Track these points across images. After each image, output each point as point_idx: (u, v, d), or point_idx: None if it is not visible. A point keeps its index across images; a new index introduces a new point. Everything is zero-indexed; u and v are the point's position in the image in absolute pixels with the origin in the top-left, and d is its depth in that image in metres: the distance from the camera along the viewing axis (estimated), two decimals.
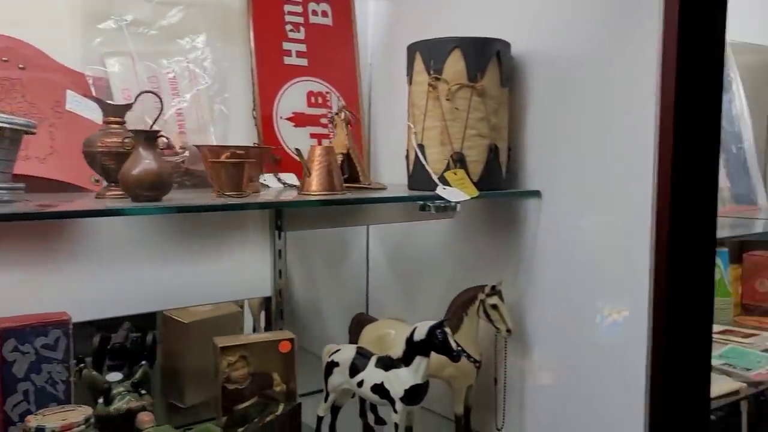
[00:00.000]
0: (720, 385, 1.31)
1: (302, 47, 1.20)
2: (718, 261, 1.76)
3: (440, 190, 0.91)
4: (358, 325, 1.16)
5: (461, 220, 1.15)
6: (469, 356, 1.03)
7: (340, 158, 1.01)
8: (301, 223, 1.18)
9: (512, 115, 1.02)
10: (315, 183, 0.90)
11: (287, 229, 1.21)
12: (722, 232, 1.76)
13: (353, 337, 1.16)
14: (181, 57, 1.08)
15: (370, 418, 1.14)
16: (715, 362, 1.42)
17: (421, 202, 0.90)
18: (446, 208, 0.89)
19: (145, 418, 1.03)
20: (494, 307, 1.00)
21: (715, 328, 1.65)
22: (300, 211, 1.15)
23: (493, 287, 1.00)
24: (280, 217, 1.20)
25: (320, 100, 1.20)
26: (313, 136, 1.19)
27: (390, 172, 1.26)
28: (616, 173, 0.89)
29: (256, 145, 1.05)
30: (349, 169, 1.02)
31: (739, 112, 1.76)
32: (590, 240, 0.93)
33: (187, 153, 1.02)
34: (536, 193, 1.00)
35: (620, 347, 0.89)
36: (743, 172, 1.74)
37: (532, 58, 1.00)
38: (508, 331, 0.99)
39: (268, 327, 1.28)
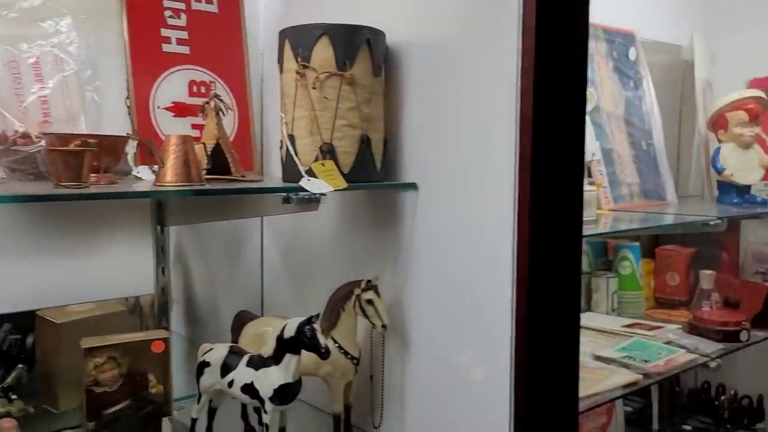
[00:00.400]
0: (618, 378, 1.32)
1: (183, 34, 1.15)
2: (630, 255, 1.78)
3: (304, 181, 0.88)
4: (239, 322, 1.12)
5: (347, 214, 1.12)
6: (346, 353, 1.00)
7: (209, 148, 0.97)
8: (183, 217, 1.14)
9: (389, 105, 1.00)
10: (170, 173, 0.86)
11: (169, 223, 1.16)
12: (633, 227, 1.78)
13: (235, 336, 1.12)
14: (44, 41, 1.02)
15: (253, 419, 1.10)
16: (616, 355, 1.43)
17: (284, 194, 0.87)
18: (310, 201, 0.86)
19: (6, 424, 0.97)
20: (369, 302, 0.97)
21: (623, 321, 1.67)
22: (181, 204, 1.10)
23: (369, 282, 0.98)
24: (161, 211, 1.15)
25: (203, 90, 1.16)
26: (195, 126, 1.15)
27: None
28: (483, 167, 0.88)
29: (112, 135, 1.00)
30: (220, 160, 0.98)
31: (649, 109, 1.79)
32: (460, 234, 0.91)
33: (43, 142, 0.96)
34: (412, 186, 0.98)
35: (486, 345, 0.88)
36: (653, 168, 1.77)
37: (408, 48, 0.98)
38: (384, 326, 0.97)
39: (157, 327, 1.23)
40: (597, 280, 1.75)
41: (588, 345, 1.51)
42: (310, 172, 0.90)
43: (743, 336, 1.55)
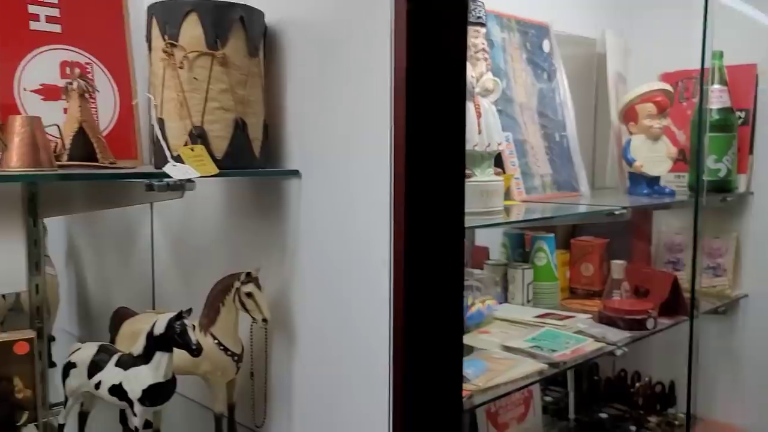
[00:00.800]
0: (523, 368, 1.31)
1: (54, 12, 1.06)
2: (545, 246, 1.80)
3: (169, 167, 0.83)
4: (117, 320, 1.06)
5: (234, 204, 1.07)
6: (226, 350, 0.95)
7: (71, 133, 0.89)
8: (58, 208, 1.06)
9: (270, 89, 0.95)
10: (15, 158, 0.79)
11: (44, 215, 1.08)
12: (558, 221, 1.80)
13: (113, 334, 1.05)
14: None
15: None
16: (524, 345, 1.43)
17: (147, 181, 0.81)
18: (175, 188, 0.80)
19: None
20: (249, 295, 0.93)
21: (536, 311, 1.68)
22: (53, 194, 1.02)
23: (249, 274, 0.93)
24: (33, 202, 1.07)
25: (78, 72, 1.07)
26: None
27: None
28: (362, 154, 0.84)
29: None
30: (84, 145, 0.91)
31: (563, 101, 1.80)
32: (342, 224, 0.88)
33: None
34: (295, 173, 0.93)
35: (366, 339, 0.84)
36: (566, 160, 1.78)
37: (288, 29, 0.94)
38: (265, 320, 0.93)
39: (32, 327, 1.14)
40: (513, 271, 1.76)
41: (499, 336, 1.51)
42: (179, 158, 0.85)
43: (650, 324, 1.58)
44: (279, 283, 0.96)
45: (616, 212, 1.45)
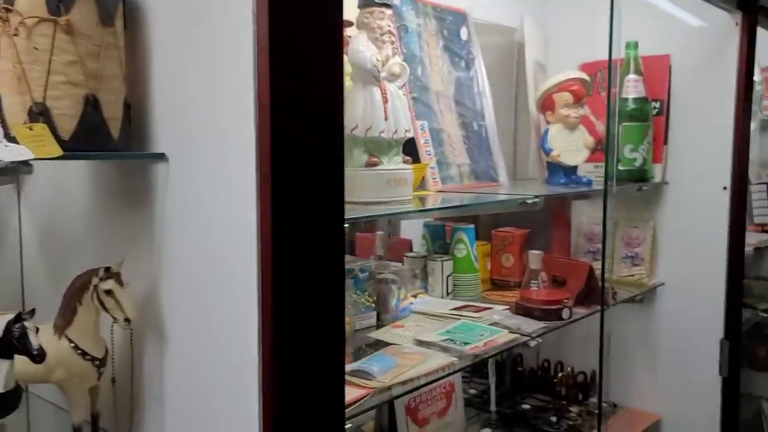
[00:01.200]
0: (433, 362, 1.27)
1: None
2: (465, 237, 1.76)
3: (1, 148, 0.73)
4: None
5: (101, 192, 0.98)
6: (84, 353, 0.86)
7: None
8: None
9: (133, 64, 0.87)
10: None
11: None
12: (467, 210, 1.77)
13: None
14: None
15: None
16: (437, 339, 1.39)
17: None
18: (5, 171, 0.70)
19: None
20: (109, 293, 0.84)
21: (454, 304, 1.64)
22: None
23: (108, 269, 0.84)
24: None
25: None
26: None
27: None
28: (227, 136, 0.76)
29: None
30: None
31: (481, 90, 1.77)
32: (211, 213, 0.80)
33: None
34: (161, 157, 0.85)
35: (236, 338, 0.77)
36: (484, 150, 1.75)
37: None
38: (127, 320, 0.84)
39: None
40: (432, 263, 1.72)
41: (413, 330, 1.47)
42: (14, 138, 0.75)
43: (565, 314, 1.57)
44: (148, 277, 0.88)
45: (529, 201, 1.43)
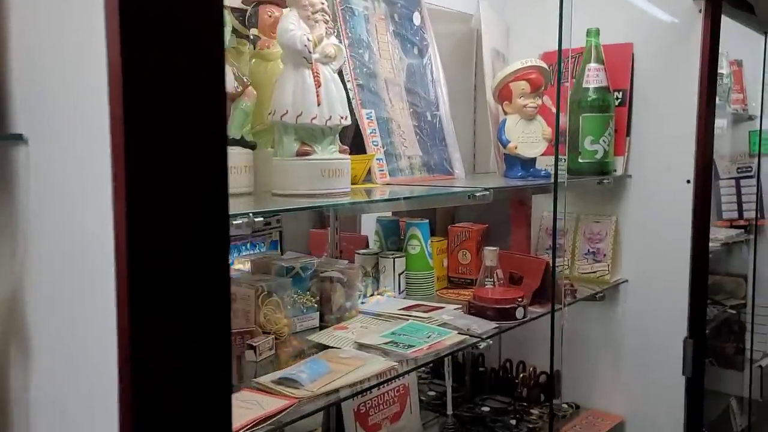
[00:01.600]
0: (371, 367, 1.18)
1: None
2: (419, 233, 1.68)
3: None
4: None
5: None
6: None
7: None
8: None
9: None
10: None
11: None
12: (422, 204, 1.68)
13: None
14: None
15: None
16: (380, 341, 1.30)
17: None
18: None
19: None
20: None
21: (404, 303, 1.56)
22: None
23: None
24: None
25: None
26: None
27: None
28: (82, 116, 0.66)
29: None
30: None
31: (435, 78, 1.69)
32: (69, 205, 0.70)
33: None
34: (19, 138, 0.74)
35: (96, 341, 0.67)
36: (438, 141, 1.67)
37: None
38: None
39: None
40: (384, 260, 1.64)
41: (357, 331, 1.38)
42: None
43: (519, 313, 1.49)
44: (10, 279, 0.78)
45: (477, 194, 1.35)
